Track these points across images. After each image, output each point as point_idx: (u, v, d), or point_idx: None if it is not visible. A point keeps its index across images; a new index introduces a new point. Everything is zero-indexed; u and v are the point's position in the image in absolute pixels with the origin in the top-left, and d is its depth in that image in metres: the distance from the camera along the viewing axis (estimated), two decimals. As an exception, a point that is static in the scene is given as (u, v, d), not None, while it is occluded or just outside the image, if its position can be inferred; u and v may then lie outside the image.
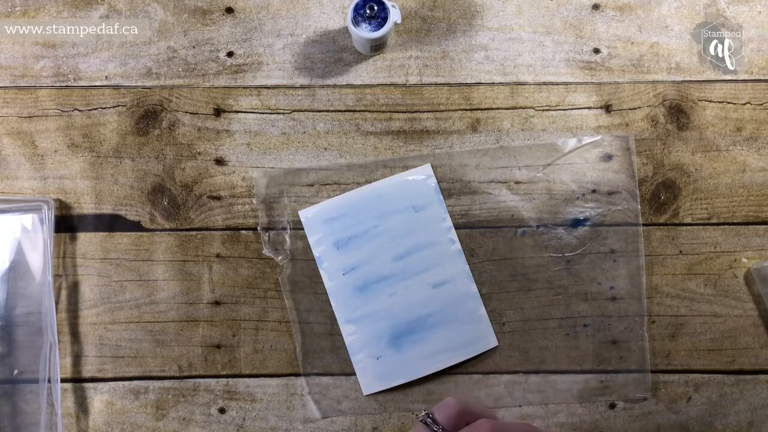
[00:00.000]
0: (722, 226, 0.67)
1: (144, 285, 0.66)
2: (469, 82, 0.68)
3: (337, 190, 0.67)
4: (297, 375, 0.66)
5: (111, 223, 0.66)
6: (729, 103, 0.67)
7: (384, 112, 0.67)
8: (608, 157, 0.67)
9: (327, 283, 0.66)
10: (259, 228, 0.66)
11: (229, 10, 0.68)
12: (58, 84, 0.67)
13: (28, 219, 0.64)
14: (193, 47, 0.68)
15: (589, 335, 0.66)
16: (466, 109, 0.67)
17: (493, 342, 0.65)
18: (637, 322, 0.66)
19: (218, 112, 0.67)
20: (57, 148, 0.67)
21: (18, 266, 0.64)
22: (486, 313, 0.66)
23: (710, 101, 0.67)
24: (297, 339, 0.66)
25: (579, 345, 0.66)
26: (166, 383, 0.66)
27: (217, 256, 0.66)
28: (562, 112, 0.67)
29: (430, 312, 0.65)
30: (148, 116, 0.67)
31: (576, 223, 0.67)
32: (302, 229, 0.66)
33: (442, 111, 0.67)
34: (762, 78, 0.68)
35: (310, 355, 0.66)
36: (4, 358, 0.63)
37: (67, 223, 0.66)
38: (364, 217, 0.66)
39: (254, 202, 0.67)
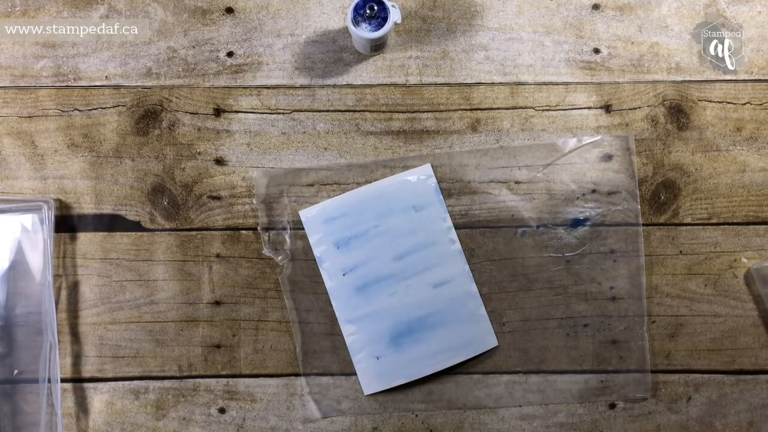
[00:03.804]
0: (722, 226, 0.67)
1: (144, 285, 0.66)
2: (469, 82, 0.68)
3: (337, 190, 0.67)
4: (297, 375, 0.66)
5: (111, 223, 0.66)
6: (729, 103, 0.67)
7: (384, 112, 0.67)
8: (608, 157, 0.67)
9: (327, 283, 0.66)
10: (259, 228, 0.66)
11: (229, 10, 0.68)
12: (58, 84, 0.67)
13: (28, 219, 0.64)
14: (193, 47, 0.68)
15: (589, 335, 0.66)
16: (466, 109, 0.67)
17: (493, 342, 0.65)
18: (637, 322, 0.66)
19: (218, 112, 0.67)
20: (57, 148, 0.67)
21: (18, 266, 0.64)
22: (486, 313, 0.66)
23: (710, 101, 0.67)
24: (297, 339, 0.66)
25: (579, 345, 0.66)
26: (166, 383, 0.66)
27: (217, 256, 0.66)
28: (562, 112, 0.67)
29: (430, 312, 0.65)
30: (148, 116, 0.67)
31: (576, 223, 0.67)
32: (302, 229, 0.66)
33: (442, 111, 0.67)
34: (762, 78, 0.68)
35: (310, 355, 0.66)
36: (4, 358, 0.63)
37: (67, 223, 0.66)
38: (365, 217, 0.66)
39: (254, 202, 0.67)
